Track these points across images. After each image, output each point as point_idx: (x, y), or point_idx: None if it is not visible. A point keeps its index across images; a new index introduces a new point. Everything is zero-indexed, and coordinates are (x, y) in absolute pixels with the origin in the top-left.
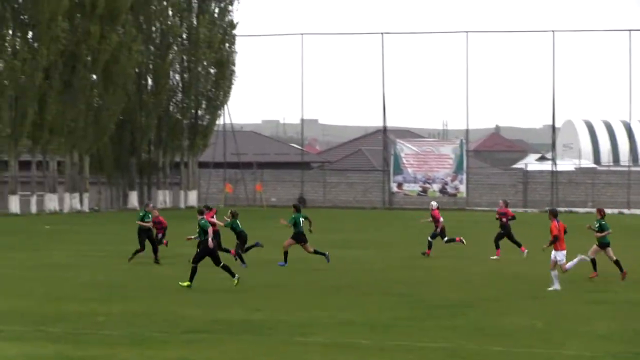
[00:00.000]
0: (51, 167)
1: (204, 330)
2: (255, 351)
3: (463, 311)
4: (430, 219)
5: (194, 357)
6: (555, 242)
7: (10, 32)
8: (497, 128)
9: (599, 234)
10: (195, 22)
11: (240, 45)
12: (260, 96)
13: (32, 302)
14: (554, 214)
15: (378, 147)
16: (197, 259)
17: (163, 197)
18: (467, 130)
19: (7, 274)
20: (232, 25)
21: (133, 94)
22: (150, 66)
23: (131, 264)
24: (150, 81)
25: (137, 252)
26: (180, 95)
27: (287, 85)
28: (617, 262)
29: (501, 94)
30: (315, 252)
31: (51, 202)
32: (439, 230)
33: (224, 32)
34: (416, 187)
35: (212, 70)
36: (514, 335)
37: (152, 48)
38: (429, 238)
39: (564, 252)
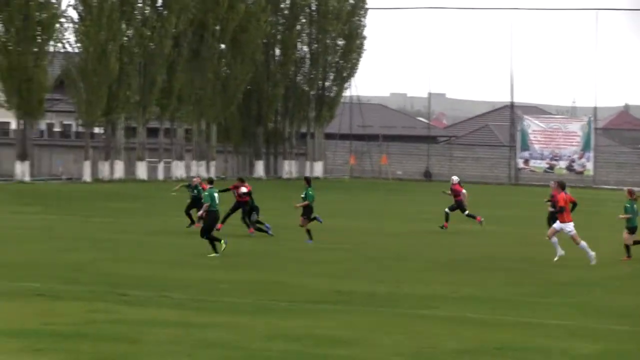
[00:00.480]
0: (179, 135)
1: (327, 301)
2: (380, 323)
3: (589, 289)
4: (450, 192)
5: (317, 327)
6: (562, 212)
7: (140, 0)
8: (627, 106)
9: (622, 216)
10: None
11: (369, 17)
12: (389, 69)
13: (156, 268)
14: (562, 186)
15: (505, 122)
16: (207, 230)
17: (289, 167)
18: (595, 108)
19: (133, 239)
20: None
21: (261, 64)
22: (279, 37)
23: (257, 235)
24: (278, 52)
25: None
26: (307, 66)
27: (415, 59)
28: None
29: (631, 72)
30: (308, 231)
31: (178, 169)
32: (456, 204)
33: (355, 5)
34: (542, 164)
35: (340, 42)
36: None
37: (280, 19)
38: (447, 210)
39: (571, 224)
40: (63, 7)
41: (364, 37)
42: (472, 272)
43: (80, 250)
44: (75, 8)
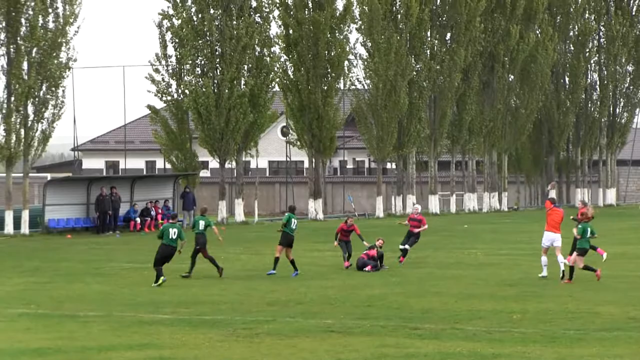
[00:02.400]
0: (470, 167)
1: (618, 328)
2: None
3: None
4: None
5: (607, 355)
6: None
7: (429, 33)
8: None
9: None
10: (612, 19)
11: None
12: None
13: (447, 300)
14: (552, 201)
15: None
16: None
17: (581, 195)
18: None
19: (423, 272)
20: None
21: (550, 92)
22: (567, 65)
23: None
24: (567, 80)
25: None
26: (597, 93)
27: None
28: None
29: None
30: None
31: (470, 201)
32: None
33: None
34: None
35: (629, 68)
36: None
37: (568, 46)
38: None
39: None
40: (351, 44)
41: None
42: None
43: (372, 286)
44: (363, 45)
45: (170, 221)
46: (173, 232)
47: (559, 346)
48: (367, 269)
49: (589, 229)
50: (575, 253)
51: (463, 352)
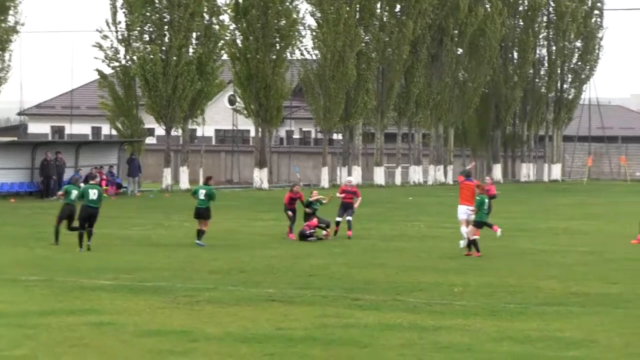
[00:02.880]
0: (416, 140)
1: (559, 303)
2: (609, 324)
3: None
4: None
5: (548, 329)
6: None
7: (378, 5)
8: None
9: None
10: None
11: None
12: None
13: (389, 271)
14: (466, 174)
15: None
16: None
17: (527, 170)
18: None
19: (366, 244)
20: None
21: (498, 67)
22: (516, 39)
23: (493, 236)
24: (515, 54)
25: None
26: (545, 68)
27: None
28: None
29: None
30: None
31: (415, 174)
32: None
33: (592, 6)
34: None
35: (578, 44)
36: None
37: (518, 21)
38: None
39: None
40: (301, 14)
41: (601, 38)
42: None
43: (316, 256)
44: (312, 15)
45: (91, 182)
46: (93, 193)
47: (499, 320)
48: (310, 239)
49: (486, 201)
50: (471, 225)
51: (403, 323)
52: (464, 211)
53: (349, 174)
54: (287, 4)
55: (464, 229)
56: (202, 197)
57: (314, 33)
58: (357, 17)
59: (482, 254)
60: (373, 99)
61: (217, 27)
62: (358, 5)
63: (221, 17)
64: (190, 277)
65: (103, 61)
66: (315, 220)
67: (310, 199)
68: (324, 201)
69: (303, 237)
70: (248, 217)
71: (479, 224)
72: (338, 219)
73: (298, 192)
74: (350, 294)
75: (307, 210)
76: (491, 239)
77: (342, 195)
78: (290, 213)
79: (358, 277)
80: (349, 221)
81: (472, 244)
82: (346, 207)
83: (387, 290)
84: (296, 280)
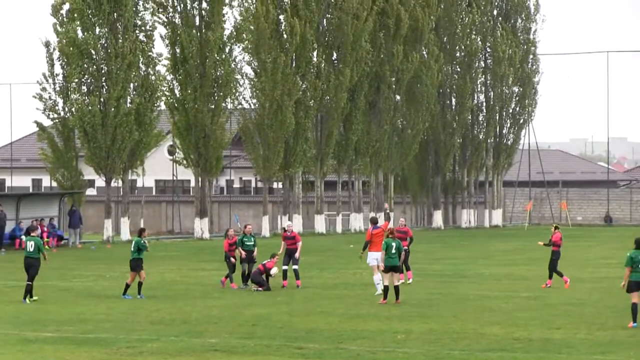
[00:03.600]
0: (356, 187)
1: (503, 349)
2: None
3: None
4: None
5: None
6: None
7: (315, 54)
8: None
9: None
10: (498, 40)
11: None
12: (569, 115)
13: (332, 320)
14: (372, 222)
15: None
16: None
17: (467, 217)
18: None
19: (308, 292)
20: (534, 44)
21: (436, 113)
22: (453, 86)
23: (436, 282)
24: (453, 100)
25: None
26: (484, 114)
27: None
28: None
29: None
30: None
31: (356, 221)
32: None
33: (526, 51)
34: None
35: (515, 89)
36: None
37: (455, 67)
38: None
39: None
40: (238, 63)
41: (538, 83)
42: None
43: (258, 305)
44: (249, 64)
45: (32, 234)
46: (30, 245)
47: None
48: (259, 289)
49: (393, 245)
50: (380, 272)
51: None
52: (375, 257)
53: (291, 222)
54: (225, 54)
55: (377, 277)
56: (132, 248)
57: (252, 82)
58: (294, 65)
59: (424, 300)
60: (312, 147)
61: (153, 77)
62: (294, 54)
63: (157, 68)
64: (132, 329)
65: (43, 112)
66: (273, 261)
67: (267, 265)
68: (272, 273)
69: (256, 281)
70: (189, 267)
71: (386, 268)
72: (285, 267)
73: (233, 236)
74: (293, 342)
75: (242, 252)
76: (435, 286)
77: (284, 241)
78: (232, 260)
79: (301, 326)
80: (295, 270)
81: (395, 289)
82: (290, 254)
83: (330, 338)
84: (239, 330)
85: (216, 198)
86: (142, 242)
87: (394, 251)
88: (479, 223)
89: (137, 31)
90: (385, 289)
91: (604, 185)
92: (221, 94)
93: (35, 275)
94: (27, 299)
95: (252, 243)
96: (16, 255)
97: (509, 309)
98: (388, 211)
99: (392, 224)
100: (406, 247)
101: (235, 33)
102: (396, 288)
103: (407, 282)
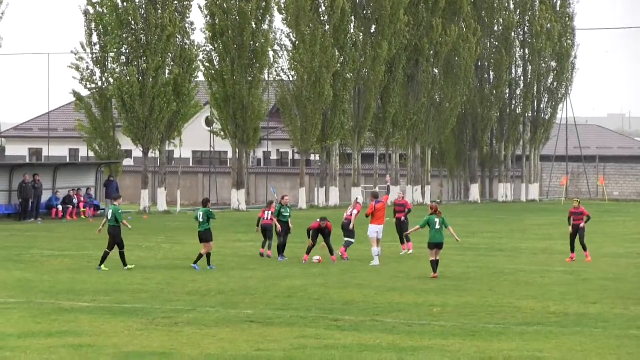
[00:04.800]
0: (393, 160)
1: (538, 323)
2: (588, 345)
3: None
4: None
5: (528, 349)
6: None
7: (352, 26)
8: None
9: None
10: (537, 14)
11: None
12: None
13: (368, 292)
14: (374, 196)
15: None
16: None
17: (504, 190)
18: None
19: (345, 264)
20: (572, 18)
21: (474, 87)
22: (491, 59)
23: (472, 256)
24: (491, 74)
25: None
26: (521, 88)
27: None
28: None
29: None
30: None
31: (394, 194)
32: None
33: (565, 25)
34: None
35: (553, 64)
36: None
37: (492, 41)
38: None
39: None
40: (276, 35)
41: (575, 57)
42: None
43: (293, 277)
44: (287, 36)
45: (114, 203)
46: (109, 214)
47: (478, 340)
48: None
49: (437, 221)
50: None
51: (382, 344)
52: (375, 230)
53: (327, 195)
54: (265, 25)
55: (375, 249)
56: (200, 219)
57: (291, 54)
58: (332, 37)
59: (460, 273)
60: (350, 120)
61: (192, 48)
62: (333, 26)
63: (192, 38)
64: (168, 299)
65: (80, 82)
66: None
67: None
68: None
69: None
70: (225, 239)
71: (431, 245)
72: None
73: (272, 207)
74: (329, 314)
75: (278, 225)
76: (471, 260)
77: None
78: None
79: (337, 298)
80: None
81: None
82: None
83: (366, 310)
84: (275, 302)
85: (253, 170)
86: (211, 211)
87: (437, 226)
88: (516, 197)
89: (175, 1)
90: (433, 263)
91: None
92: (259, 65)
93: (115, 244)
94: (102, 266)
95: (288, 214)
96: (53, 225)
97: (545, 283)
98: (389, 184)
99: (391, 197)
100: (404, 218)
101: (266, 5)
102: (435, 262)
103: (408, 252)
